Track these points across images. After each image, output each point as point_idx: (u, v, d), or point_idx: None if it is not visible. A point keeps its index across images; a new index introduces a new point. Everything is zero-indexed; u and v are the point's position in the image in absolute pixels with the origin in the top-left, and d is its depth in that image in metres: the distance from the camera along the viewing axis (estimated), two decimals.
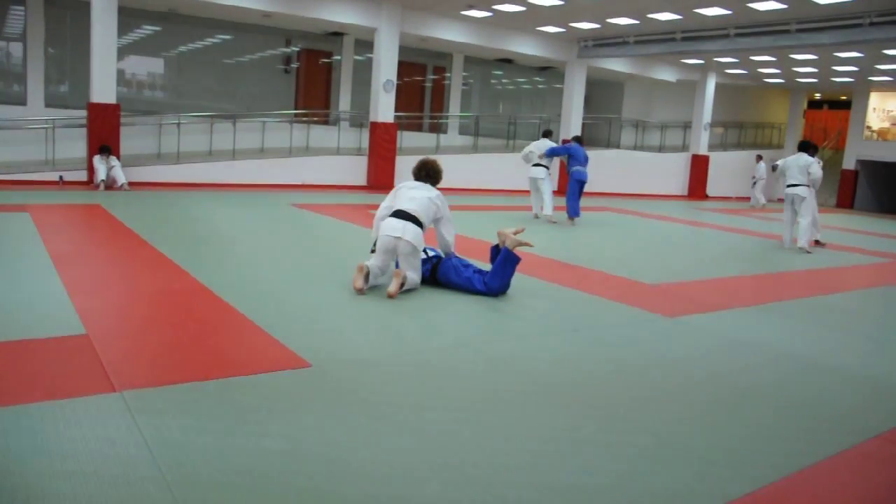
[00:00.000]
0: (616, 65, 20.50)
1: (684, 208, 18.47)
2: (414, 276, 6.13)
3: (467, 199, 15.67)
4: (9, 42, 15.17)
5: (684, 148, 24.26)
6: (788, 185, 11.10)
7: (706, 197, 23.55)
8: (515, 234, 6.25)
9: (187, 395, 3.51)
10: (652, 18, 15.47)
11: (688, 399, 4.00)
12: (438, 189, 6.52)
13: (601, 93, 24.52)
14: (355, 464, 2.92)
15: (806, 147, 11.19)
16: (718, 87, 23.74)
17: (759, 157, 22.07)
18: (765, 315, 6.34)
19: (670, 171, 23.42)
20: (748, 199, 22.46)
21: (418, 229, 6.11)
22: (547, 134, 13.43)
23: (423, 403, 3.61)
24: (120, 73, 16.04)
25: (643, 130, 24.12)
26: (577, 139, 13.49)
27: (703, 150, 23.52)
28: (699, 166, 23.53)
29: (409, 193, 6.31)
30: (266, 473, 2.79)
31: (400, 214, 6.15)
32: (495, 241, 6.47)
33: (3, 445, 2.87)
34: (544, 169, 12.87)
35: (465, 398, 3.74)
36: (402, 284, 5.93)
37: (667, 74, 22.17)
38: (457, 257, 6.52)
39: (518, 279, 6.96)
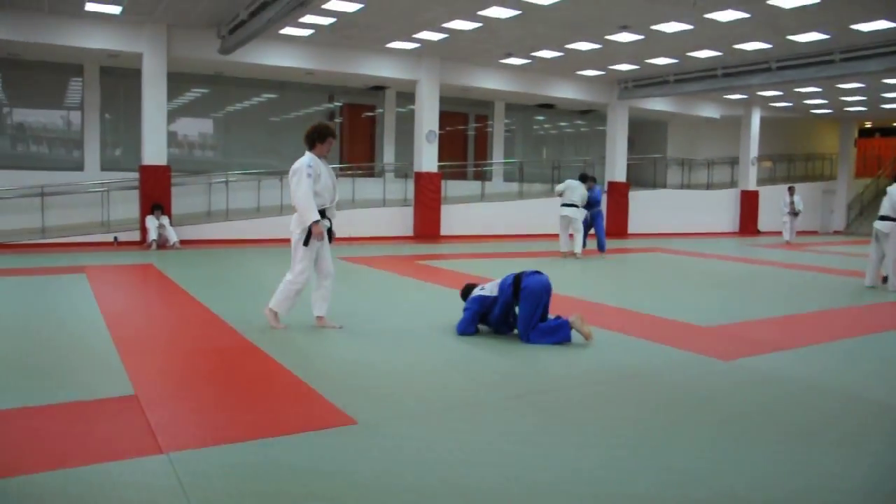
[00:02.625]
0: (658, 104, 20.43)
1: (736, 245, 18.08)
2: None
3: (513, 246, 15.63)
4: (69, 111, 15.83)
5: (733, 184, 23.89)
6: (880, 218, 10.15)
7: (758, 233, 23.06)
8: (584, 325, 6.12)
9: (232, 456, 3.48)
10: (691, 56, 15.41)
11: (752, 443, 3.81)
12: (311, 155, 6.29)
13: (645, 133, 24.41)
14: None
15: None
16: (764, 120, 23.43)
17: (792, 190, 20.77)
18: (830, 354, 6.07)
19: (720, 208, 23.04)
20: (799, 232, 21.67)
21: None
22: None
23: (470, 459, 3.52)
24: (171, 134, 16.59)
25: (689, 168, 23.87)
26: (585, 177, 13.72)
27: (752, 186, 23.12)
28: (749, 202, 23.11)
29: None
30: None
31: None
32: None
33: None
34: (579, 209, 13.06)
35: (511, 452, 3.63)
36: None
37: (710, 111, 21.99)
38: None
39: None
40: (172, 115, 16.67)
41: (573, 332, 6.13)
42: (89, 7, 12.27)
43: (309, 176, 6.11)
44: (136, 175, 14.05)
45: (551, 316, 6.30)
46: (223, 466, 3.35)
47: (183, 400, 4.39)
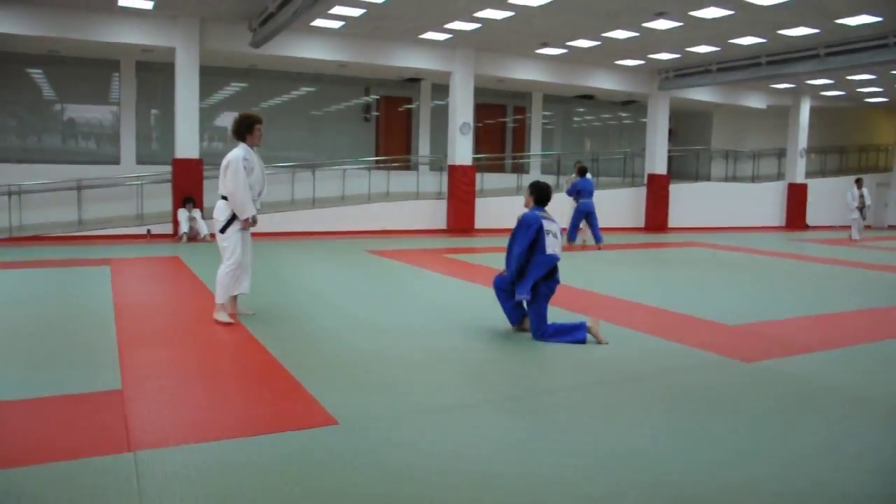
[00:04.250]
0: (701, 94, 19.80)
1: (781, 240, 17.42)
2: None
3: None
4: (106, 106, 16.04)
5: (780, 177, 23.06)
6: None
7: (806, 227, 22.23)
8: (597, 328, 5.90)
9: (201, 457, 3.34)
10: (734, 44, 14.83)
11: (758, 453, 3.52)
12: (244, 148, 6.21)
13: (688, 124, 23.75)
14: None
15: None
16: (814, 110, 22.54)
17: (860, 182, 19.64)
18: (864, 357, 5.69)
19: (765, 202, 22.25)
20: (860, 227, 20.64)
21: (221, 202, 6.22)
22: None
23: (445, 467, 3.31)
24: (207, 128, 16.71)
25: (734, 161, 23.14)
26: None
27: (800, 178, 22.29)
28: (797, 195, 22.28)
29: None
30: None
31: None
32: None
33: None
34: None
35: (494, 458, 3.41)
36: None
37: (756, 101, 21.24)
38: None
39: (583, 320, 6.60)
40: (208, 110, 16.80)
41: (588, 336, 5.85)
42: (122, 2, 12.34)
43: (245, 168, 6.09)
44: (170, 168, 14.13)
45: (556, 317, 6.03)
46: (188, 467, 3.22)
47: (168, 396, 4.27)
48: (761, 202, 22.14)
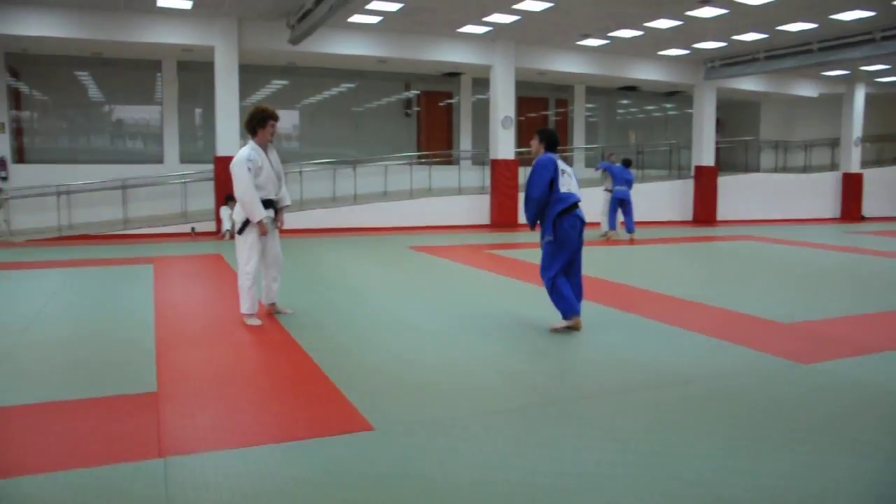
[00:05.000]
0: (748, 84, 19.23)
1: (836, 232, 16.82)
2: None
3: (590, 234, 15.02)
4: (149, 106, 16.24)
5: (833, 167, 22.32)
6: None
7: (862, 219, 21.47)
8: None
9: (232, 463, 3.25)
10: (782, 31, 14.33)
11: (823, 463, 3.29)
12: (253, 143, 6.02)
13: (736, 114, 23.15)
14: None
15: None
16: (869, 97, 21.72)
17: None
18: None
19: (818, 193, 21.53)
20: None
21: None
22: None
23: (483, 477, 3.16)
24: None
25: (785, 151, 22.47)
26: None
27: (855, 168, 21.52)
28: (852, 186, 21.52)
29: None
30: None
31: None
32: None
33: None
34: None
35: (532, 468, 3.24)
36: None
37: (807, 90, 20.56)
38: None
39: (628, 318, 6.39)
40: (248, 108, 16.86)
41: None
42: (161, 3, 12.43)
43: (249, 170, 5.81)
44: (212, 166, 14.22)
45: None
46: (217, 474, 3.13)
47: (203, 399, 4.21)
48: (814, 193, 21.44)
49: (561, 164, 5.88)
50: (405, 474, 3.16)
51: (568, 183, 5.85)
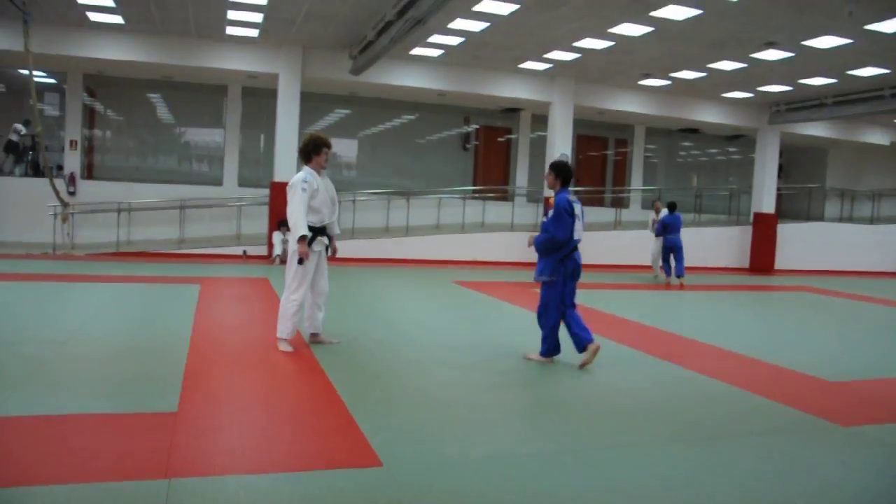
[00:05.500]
0: (815, 129, 18.71)
1: None
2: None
3: (643, 277, 14.78)
4: (212, 129, 16.74)
5: None
6: None
7: None
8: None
9: (235, 488, 3.25)
10: (852, 75, 13.93)
11: None
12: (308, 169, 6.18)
13: (800, 160, 22.53)
14: None
15: None
16: None
17: None
18: None
19: (886, 246, 20.64)
20: None
21: None
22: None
23: None
24: None
25: (851, 200, 21.73)
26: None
27: None
28: None
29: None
30: None
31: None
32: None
33: None
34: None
35: None
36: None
37: (878, 137, 19.88)
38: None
39: (662, 366, 6.21)
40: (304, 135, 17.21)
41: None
42: (230, 31, 12.86)
43: (304, 191, 5.96)
44: (268, 191, 14.51)
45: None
46: (218, 500, 3.12)
47: (219, 423, 4.22)
48: (881, 246, 20.59)
49: (577, 208, 6.02)
50: None
51: (580, 228, 6.03)
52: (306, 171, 6.14)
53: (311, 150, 6.18)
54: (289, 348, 6.15)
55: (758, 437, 4.48)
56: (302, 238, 5.97)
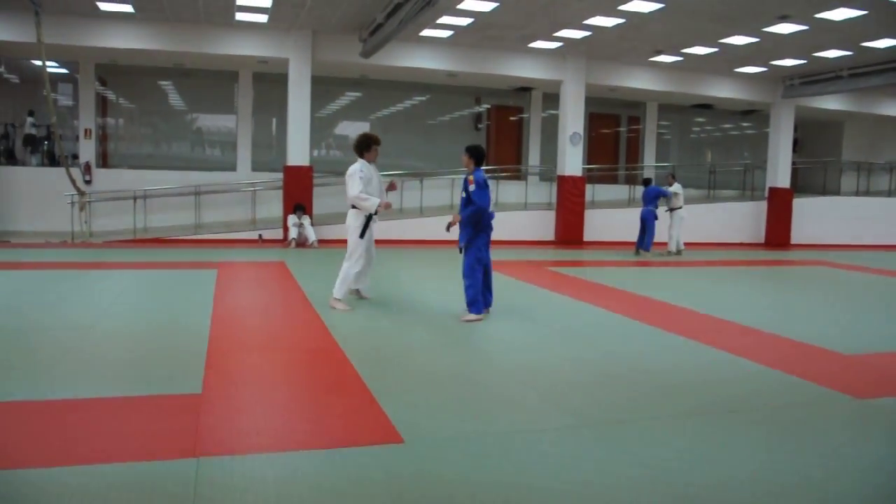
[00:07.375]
0: (830, 103, 18.54)
1: None
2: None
3: (656, 256, 14.76)
4: (225, 115, 16.81)
5: None
6: None
7: None
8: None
9: (261, 466, 3.33)
10: (867, 47, 13.77)
11: None
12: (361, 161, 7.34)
13: (816, 134, 22.36)
14: None
15: None
16: None
17: None
18: None
19: None
20: None
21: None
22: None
23: (506, 497, 3.13)
24: (320, 136, 17.18)
25: (868, 174, 21.55)
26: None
27: None
28: None
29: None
30: None
31: None
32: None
33: None
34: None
35: (557, 492, 3.20)
36: None
37: (895, 109, 19.70)
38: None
39: (679, 344, 6.24)
40: (323, 119, 17.29)
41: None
42: (239, 17, 12.88)
43: (361, 178, 7.15)
44: (282, 175, 14.59)
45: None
46: (245, 477, 3.21)
47: (243, 403, 4.31)
48: None
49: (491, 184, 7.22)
50: (427, 489, 3.17)
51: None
52: (361, 162, 7.30)
53: (363, 148, 7.39)
54: (346, 307, 7.18)
55: (774, 411, 4.51)
56: (377, 206, 7.14)
